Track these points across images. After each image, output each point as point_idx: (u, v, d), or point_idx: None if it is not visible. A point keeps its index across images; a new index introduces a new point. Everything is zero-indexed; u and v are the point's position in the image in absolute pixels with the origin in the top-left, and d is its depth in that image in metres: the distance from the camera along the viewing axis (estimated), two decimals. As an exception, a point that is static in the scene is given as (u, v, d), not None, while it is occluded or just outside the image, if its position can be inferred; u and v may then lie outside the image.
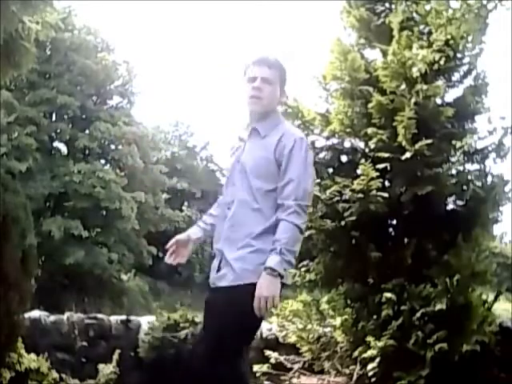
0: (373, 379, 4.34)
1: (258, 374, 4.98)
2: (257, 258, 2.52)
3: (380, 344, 4.17)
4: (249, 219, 2.58)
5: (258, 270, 2.49)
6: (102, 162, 22.41)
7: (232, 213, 2.59)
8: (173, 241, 2.78)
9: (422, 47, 4.47)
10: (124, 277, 21.90)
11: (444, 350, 4.06)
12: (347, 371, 4.72)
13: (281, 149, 2.57)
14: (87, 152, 21.88)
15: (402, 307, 4.24)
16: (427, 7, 4.77)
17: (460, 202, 4.69)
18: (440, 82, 4.58)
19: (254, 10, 57.71)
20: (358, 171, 4.45)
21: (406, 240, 4.60)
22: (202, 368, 2.51)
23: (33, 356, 4.10)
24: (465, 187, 4.60)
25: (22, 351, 4.02)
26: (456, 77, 4.89)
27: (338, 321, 4.70)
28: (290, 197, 2.52)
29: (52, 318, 4.85)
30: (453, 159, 4.71)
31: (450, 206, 4.74)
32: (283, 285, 2.50)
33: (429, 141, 4.33)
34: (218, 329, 2.52)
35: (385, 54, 4.71)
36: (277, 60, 2.70)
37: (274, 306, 2.50)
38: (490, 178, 4.70)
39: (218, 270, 2.59)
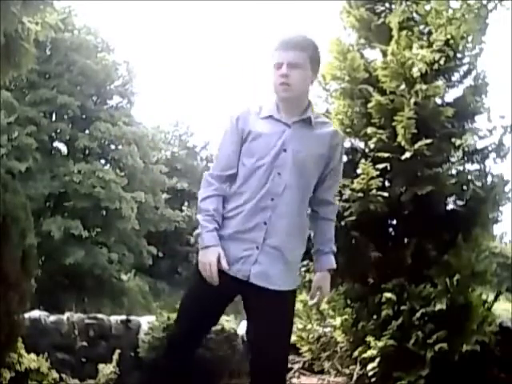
0: (373, 379, 4.34)
1: (258, 374, 4.97)
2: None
3: (380, 344, 4.17)
4: (302, 223, 2.53)
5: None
6: (102, 162, 22.43)
7: (285, 209, 2.43)
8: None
9: (421, 47, 4.47)
10: (124, 277, 21.91)
11: (444, 350, 4.06)
12: (347, 371, 4.72)
13: (334, 146, 2.55)
14: (87, 152, 21.90)
15: (402, 307, 4.23)
16: (427, 7, 4.76)
17: (460, 202, 4.68)
18: (440, 82, 4.58)
19: (254, 9, 57.74)
20: (358, 171, 4.45)
21: (406, 240, 4.59)
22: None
23: (33, 356, 4.09)
24: (465, 187, 4.59)
25: (22, 351, 4.01)
26: (456, 77, 4.89)
27: (338, 321, 4.70)
28: (335, 197, 2.66)
29: (52, 318, 4.84)
30: (453, 159, 4.70)
31: (450, 206, 4.74)
32: None
33: (428, 141, 4.33)
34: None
35: (385, 54, 4.71)
36: (305, 39, 2.52)
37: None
38: (490, 178, 4.69)
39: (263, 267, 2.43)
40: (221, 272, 2.38)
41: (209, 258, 2.37)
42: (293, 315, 2.57)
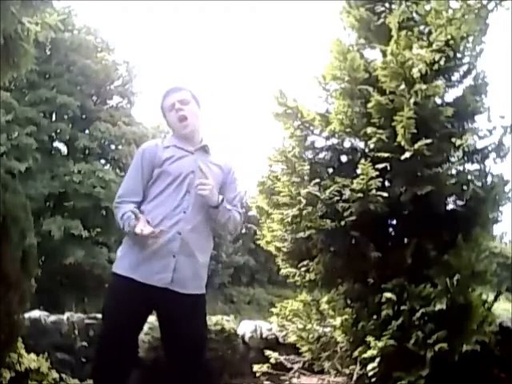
0: (373, 379, 4.33)
1: (257, 374, 4.99)
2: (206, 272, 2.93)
3: (380, 344, 4.17)
4: (206, 232, 2.90)
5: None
6: (102, 162, 22.39)
7: (194, 220, 2.81)
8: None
9: (421, 47, 4.46)
10: (124, 277, 21.86)
11: (444, 350, 4.06)
12: (347, 371, 4.72)
13: (227, 171, 3.01)
14: (87, 152, 21.86)
15: (402, 307, 4.23)
16: (427, 7, 4.76)
17: (460, 202, 4.68)
18: (440, 82, 4.57)
19: (254, 10, 57.72)
20: (358, 171, 4.45)
21: (406, 240, 4.60)
22: None
23: (33, 356, 4.09)
24: (465, 187, 4.59)
25: (22, 351, 4.01)
26: (456, 77, 4.89)
27: (338, 321, 4.70)
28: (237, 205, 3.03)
29: (52, 317, 4.84)
30: (453, 159, 4.70)
31: (450, 206, 4.74)
32: None
33: (428, 140, 4.32)
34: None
35: (384, 54, 4.71)
36: (180, 85, 3.05)
37: None
38: (489, 178, 4.69)
39: (175, 273, 2.78)
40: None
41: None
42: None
